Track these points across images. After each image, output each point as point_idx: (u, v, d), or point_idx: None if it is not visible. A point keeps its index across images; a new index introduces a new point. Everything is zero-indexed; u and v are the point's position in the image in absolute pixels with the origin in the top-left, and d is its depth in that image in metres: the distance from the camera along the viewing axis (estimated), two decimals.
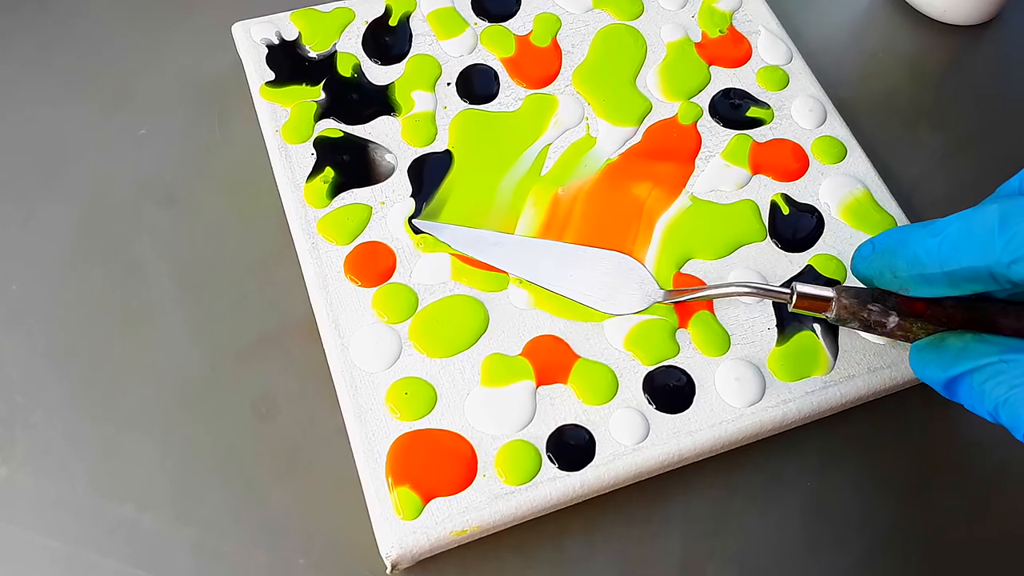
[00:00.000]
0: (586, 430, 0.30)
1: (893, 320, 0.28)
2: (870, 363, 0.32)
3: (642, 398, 0.31)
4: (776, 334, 0.32)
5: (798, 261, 0.34)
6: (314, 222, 0.33)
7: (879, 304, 0.28)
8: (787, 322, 0.32)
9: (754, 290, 0.30)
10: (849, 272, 0.33)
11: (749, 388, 0.31)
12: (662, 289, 0.32)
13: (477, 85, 0.37)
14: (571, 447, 0.30)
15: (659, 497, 0.31)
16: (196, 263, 0.35)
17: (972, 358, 0.25)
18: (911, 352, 0.28)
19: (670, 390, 0.31)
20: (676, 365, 0.31)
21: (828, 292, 0.28)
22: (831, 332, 0.32)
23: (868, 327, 0.28)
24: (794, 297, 0.29)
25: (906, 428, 0.33)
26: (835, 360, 0.32)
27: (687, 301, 0.32)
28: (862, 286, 0.29)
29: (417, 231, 0.33)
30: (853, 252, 0.29)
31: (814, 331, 0.32)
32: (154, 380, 0.32)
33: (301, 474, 0.31)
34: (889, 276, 0.27)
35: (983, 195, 0.39)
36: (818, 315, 0.29)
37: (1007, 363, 0.24)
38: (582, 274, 0.33)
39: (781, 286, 0.30)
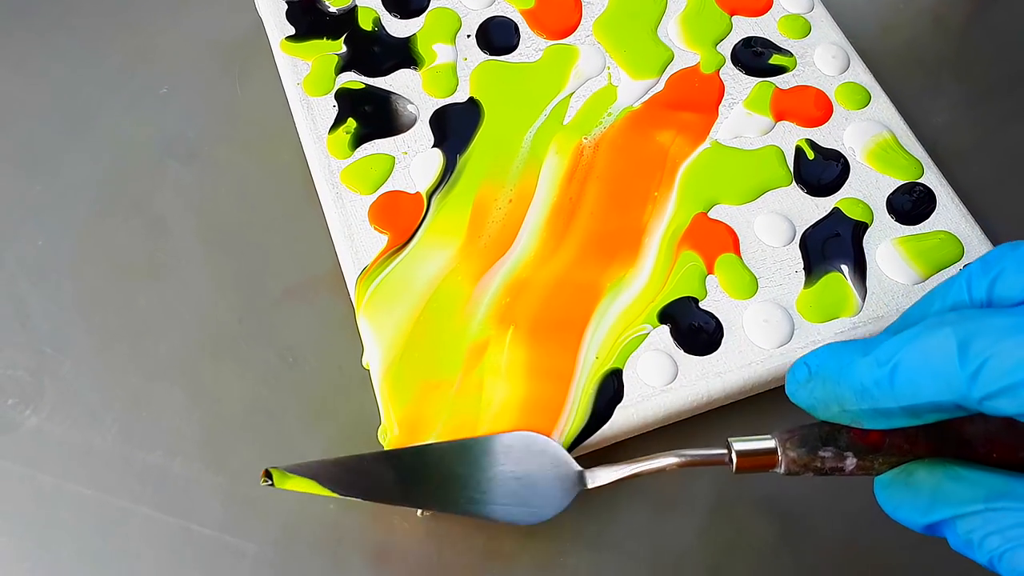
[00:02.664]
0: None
1: (851, 462, 0.23)
2: (899, 304, 0.32)
3: (670, 340, 0.30)
4: (804, 276, 0.32)
5: (824, 205, 0.34)
6: (337, 172, 0.33)
7: (831, 447, 0.23)
8: (814, 264, 0.32)
9: (687, 459, 0.25)
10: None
11: (778, 329, 0.31)
12: (580, 469, 0.27)
13: (497, 37, 0.37)
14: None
15: (687, 442, 0.31)
16: (220, 217, 0.35)
17: (952, 504, 0.21)
18: (876, 490, 0.24)
19: (698, 332, 0.31)
20: (705, 308, 0.31)
21: (769, 444, 0.24)
22: (859, 273, 0.32)
23: (824, 474, 0.24)
24: (733, 457, 0.24)
25: None
26: (864, 301, 0.32)
27: (612, 483, 0.26)
28: (804, 422, 0.24)
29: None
30: (786, 373, 0.24)
31: (842, 272, 0.32)
32: (180, 331, 0.32)
33: (327, 421, 0.31)
34: (836, 409, 0.23)
35: (1006, 145, 0.39)
36: (767, 471, 0.24)
37: (995, 511, 0.21)
38: (493, 489, 0.27)
39: (715, 450, 0.25)
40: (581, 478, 0.27)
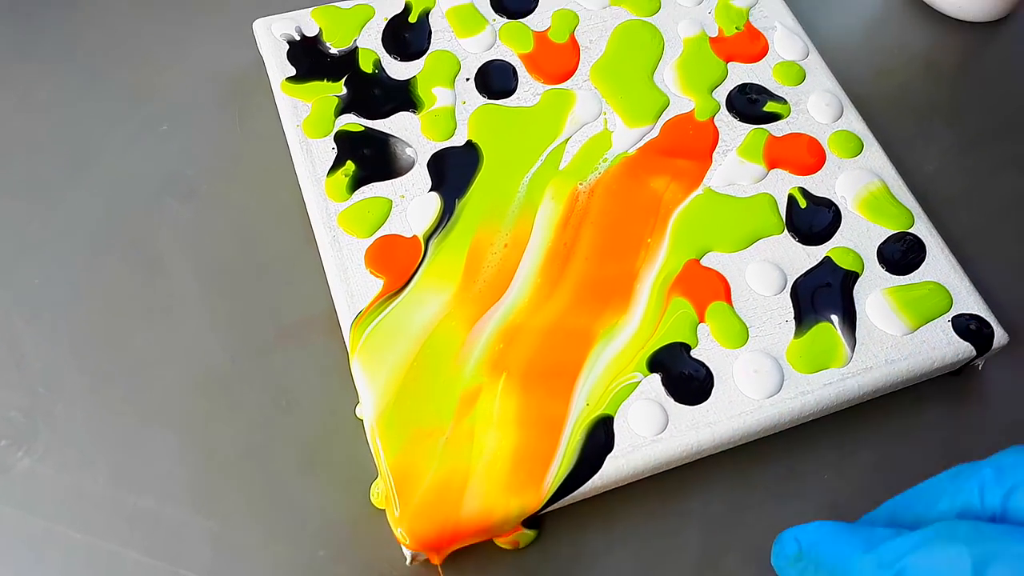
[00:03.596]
0: None
1: None
2: (888, 355, 0.32)
3: (661, 390, 0.31)
4: (794, 326, 0.32)
5: (815, 254, 0.34)
6: (335, 215, 0.33)
7: None
8: (805, 314, 0.33)
9: None
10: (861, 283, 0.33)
11: (768, 380, 0.31)
12: None
13: (495, 80, 0.38)
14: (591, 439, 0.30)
15: (678, 490, 0.31)
16: (217, 257, 0.35)
17: None
18: None
19: (689, 381, 0.31)
20: (695, 356, 0.31)
21: None
22: (849, 324, 0.32)
23: None
24: None
25: (923, 420, 0.33)
26: (853, 352, 0.32)
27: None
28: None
29: None
30: (775, 541, 0.24)
31: (832, 323, 0.32)
32: (175, 373, 0.33)
33: (320, 467, 0.31)
34: None
35: (997, 192, 0.40)
36: None
37: None
38: None
39: None
40: None
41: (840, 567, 0.21)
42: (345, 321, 0.31)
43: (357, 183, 0.34)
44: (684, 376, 0.31)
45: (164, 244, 0.35)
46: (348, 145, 0.35)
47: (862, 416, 0.33)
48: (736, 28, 0.40)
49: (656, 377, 0.31)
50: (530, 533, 0.30)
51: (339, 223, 0.33)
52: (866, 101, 0.41)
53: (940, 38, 0.45)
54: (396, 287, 0.32)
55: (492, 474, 0.29)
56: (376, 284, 0.32)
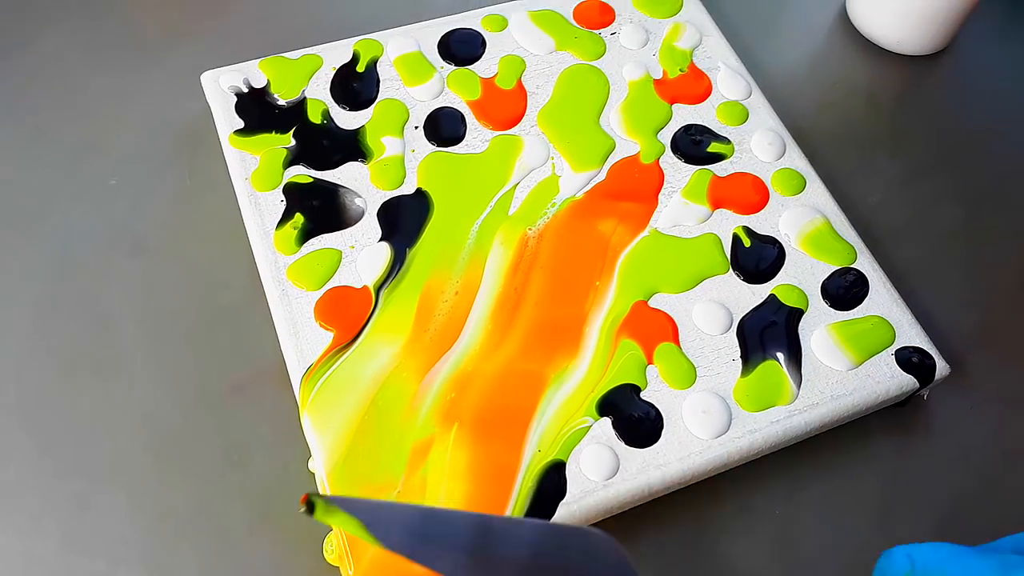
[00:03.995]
0: None
1: None
2: (833, 391, 0.33)
3: (612, 433, 0.31)
4: (741, 365, 0.33)
5: (760, 292, 0.35)
6: (284, 268, 0.34)
7: None
8: (751, 352, 0.33)
9: None
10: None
11: (716, 420, 0.31)
12: None
13: (444, 128, 0.38)
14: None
15: (629, 532, 0.32)
16: (167, 313, 0.35)
17: None
18: None
19: (639, 423, 0.31)
20: (645, 398, 0.32)
21: None
22: (795, 361, 0.33)
23: None
24: None
25: (871, 453, 0.34)
26: (799, 389, 0.32)
27: None
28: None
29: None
30: (881, 555, 0.24)
31: (778, 360, 0.33)
32: (125, 432, 0.32)
33: (274, 523, 0.31)
34: None
35: (939, 223, 0.41)
36: None
37: None
38: None
39: None
40: None
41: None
42: (295, 376, 0.32)
43: (306, 235, 0.34)
44: (634, 419, 0.31)
45: (114, 301, 0.35)
46: (297, 197, 0.35)
47: (811, 450, 0.33)
48: (680, 70, 0.40)
49: (607, 421, 0.31)
50: None
51: (288, 276, 0.33)
52: (809, 135, 0.42)
53: (881, 71, 0.46)
54: (346, 339, 0.32)
55: None
56: (326, 337, 0.32)
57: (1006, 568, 0.20)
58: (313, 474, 0.30)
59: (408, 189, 0.36)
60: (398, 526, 0.21)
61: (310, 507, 0.21)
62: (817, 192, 0.38)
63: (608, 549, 0.23)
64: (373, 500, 0.24)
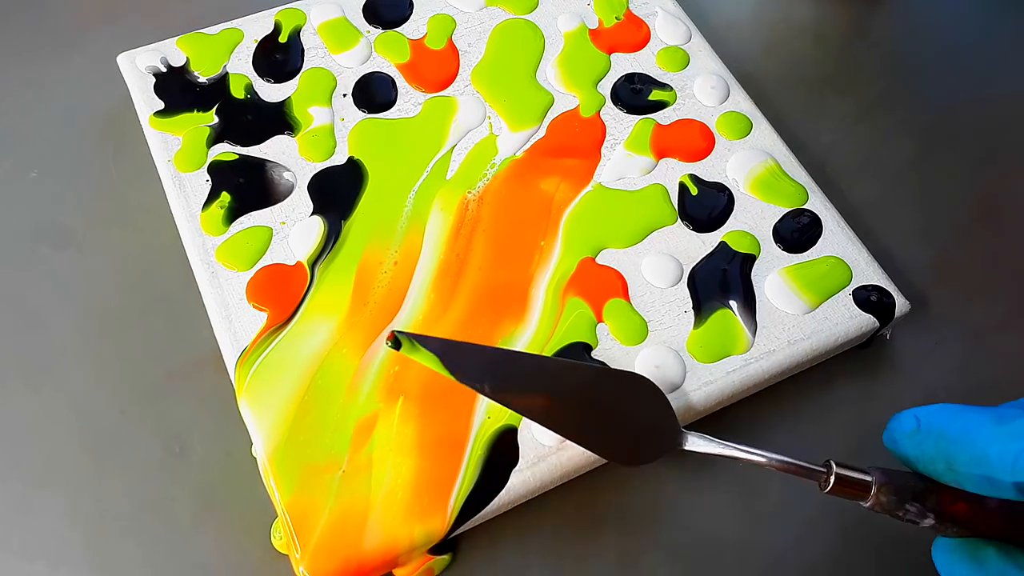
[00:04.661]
0: None
1: (928, 522, 0.24)
2: (790, 335, 0.32)
3: None
4: (693, 316, 0.32)
5: (710, 241, 0.34)
6: (212, 251, 0.32)
7: (918, 505, 0.24)
8: (703, 303, 0.32)
9: (787, 465, 0.26)
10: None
11: (670, 373, 0.30)
12: (682, 430, 0.27)
13: (374, 94, 0.37)
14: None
15: (590, 495, 0.31)
16: (97, 305, 0.34)
17: None
18: (936, 549, 0.24)
19: None
20: (596, 357, 0.31)
21: (867, 479, 0.25)
22: (749, 308, 0.32)
23: (898, 519, 0.25)
24: (831, 479, 0.25)
25: (835, 397, 0.33)
26: (754, 336, 0.31)
27: (701, 452, 0.27)
28: (899, 469, 0.25)
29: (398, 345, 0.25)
30: (890, 419, 0.25)
31: (731, 309, 0.32)
32: (60, 431, 0.31)
33: (219, 512, 0.30)
34: (942, 466, 0.23)
35: (892, 159, 0.40)
36: (851, 500, 0.26)
37: None
38: (605, 423, 0.27)
39: (815, 465, 0.26)
40: (679, 438, 0.27)
41: (965, 437, 0.22)
42: (230, 360, 0.30)
43: (234, 214, 0.33)
44: None
45: (41, 297, 0.34)
46: (222, 176, 0.34)
47: (773, 399, 0.32)
48: (616, 18, 0.39)
49: None
50: (444, 558, 0.29)
51: (217, 258, 0.32)
52: (756, 79, 0.41)
53: (825, 9, 0.44)
54: (281, 319, 0.31)
55: (392, 504, 0.28)
56: (260, 318, 0.31)
57: (1003, 419, 0.22)
58: (256, 459, 0.29)
59: (339, 159, 0.35)
60: (469, 364, 0.26)
61: (396, 343, 0.25)
62: (764, 134, 0.36)
63: (653, 392, 0.27)
64: (450, 340, 0.27)
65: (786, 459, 0.26)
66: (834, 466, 0.25)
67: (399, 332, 0.25)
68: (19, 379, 0.32)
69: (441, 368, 0.25)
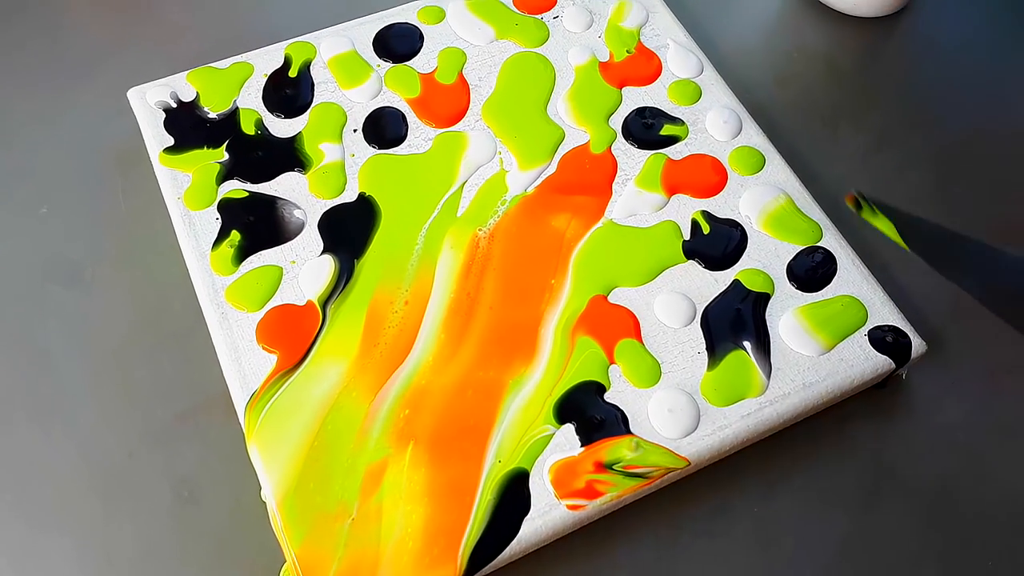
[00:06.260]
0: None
1: None
2: (804, 378, 0.31)
3: (576, 440, 0.30)
4: (707, 357, 0.31)
5: (723, 279, 0.33)
6: (222, 291, 0.32)
7: None
8: (717, 344, 0.32)
9: None
10: None
11: (683, 418, 0.30)
12: None
13: (385, 129, 0.36)
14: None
15: (603, 540, 0.30)
16: (106, 344, 0.33)
17: None
18: None
19: (603, 427, 0.30)
20: (608, 400, 0.30)
21: None
22: (763, 349, 0.32)
23: None
24: None
25: (851, 440, 0.33)
26: (769, 379, 0.31)
27: None
28: None
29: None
30: None
31: (745, 350, 0.32)
32: (68, 473, 0.31)
33: (229, 559, 0.30)
34: None
35: (908, 190, 0.39)
36: None
37: None
38: None
39: None
40: None
41: None
42: (239, 403, 0.30)
43: (244, 253, 0.33)
44: (598, 422, 0.30)
45: (50, 335, 0.34)
46: (232, 213, 0.34)
47: (787, 441, 0.32)
48: (627, 51, 0.39)
49: (570, 427, 0.30)
50: None
51: (227, 298, 0.32)
52: (768, 109, 0.40)
53: (838, 37, 0.44)
54: (292, 362, 0.31)
55: (402, 553, 0.27)
56: (270, 360, 0.31)
57: None
58: (265, 504, 0.29)
59: (350, 196, 0.35)
60: (923, 239, 0.26)
61: (858, 205, 0.26)
62: (777, 169, 0.36)
63: None
64: (907, 213, 0.27)
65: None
66: None
67: (859, 194, 0.26)
68: (28, 418, 0.32)
69: (897, 238, 0.26)
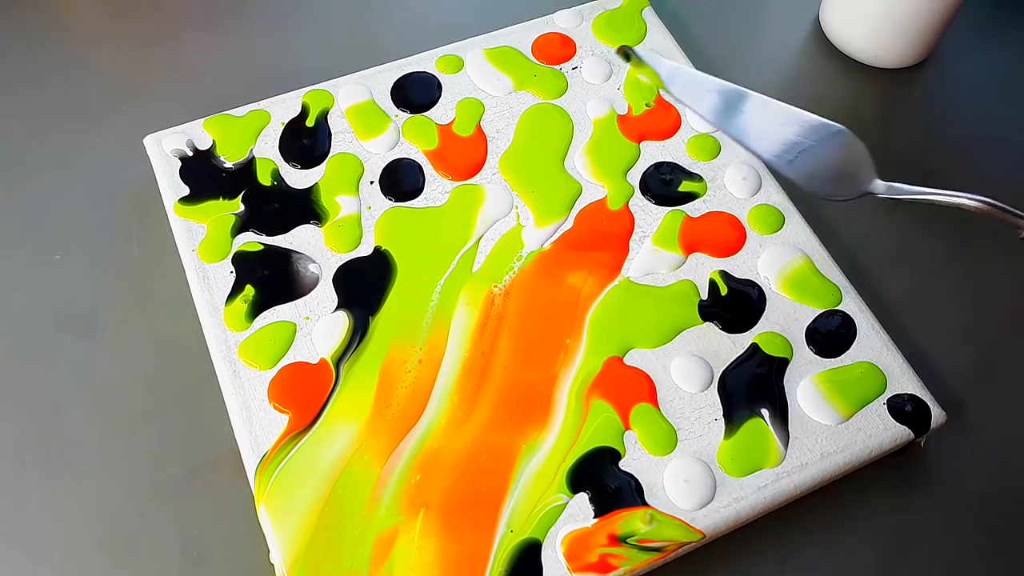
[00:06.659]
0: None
1: None
2: (823, 448, 0.31)
3: (590, 509, 0.29)
4: (724, 424, 0.31)
5: (741, 342, 0.33)
6: (235, 347, 0.32)
7: None
8: (734, 410, 0.31)
9: (992, 206, 0.29)
10: None
11: (699, 489, 0.30)
12: (876, 179, 0.32)
13: (402, 181, 0.36)
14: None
15: None
16: (117, 398, 0.33)
17: None
18: None
19: (617, 498, 0.29)
20: (624, 468, 0.30)
21: None
22: (781, 417, 0.31)
23: None
24: None
25: (868, 509, 0.32)
26: (786, 449, 0.31)
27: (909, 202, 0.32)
28: None
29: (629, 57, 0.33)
30: None
31: (763, 417, 0.31)
32: (77, 529, 0.31)
33: None
34: None
35: (929, 249, 0.39)
36: None
37: None
38: (806, 148, 0.32)
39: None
40: (873, 182, 0.31)
41: None
42: (250, 465, 0.30)
43: (258, 308, 0.33)
44: (612, 492, 0.30)
45: (61, 387, 0.33)
46: (247, 267, 0.33)
47: (803, 509, 0.31)
48: (647, 104, 0.38)
49: (583, 497, 0.29)
50: None
51: (240, 355, 0.32)
52: None
53: (859, 88, 0.44)
54: (304, 423, 0.30)
55: None
56: (281, 420, 0.30)
57: None
58: (274, 566, 0.29)
59: (365, 250, 0.34)
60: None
61: (626, 56, 0.32)
62: (797, 228, 0.36)
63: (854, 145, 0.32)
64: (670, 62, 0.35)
65: (990, 203, 0.29)
66: None
67: (627, 48, 0.34)
68: (38, 474, 0.32)
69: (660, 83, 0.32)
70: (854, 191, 0.32)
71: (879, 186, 0.32)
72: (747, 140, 0.33)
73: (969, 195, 0.29)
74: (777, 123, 0.33)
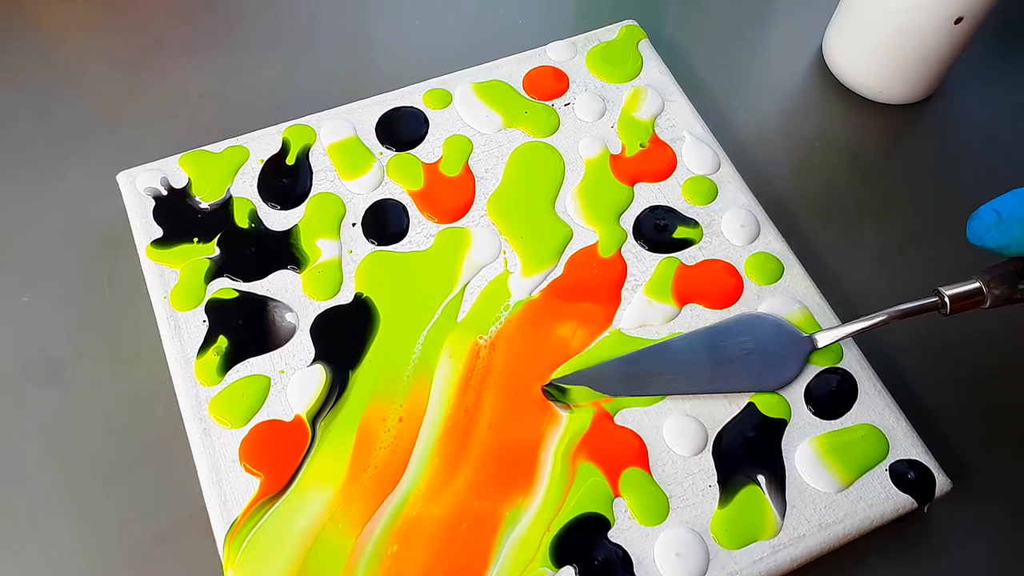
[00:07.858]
0: None
1: None
2: (821, 518, 0.29)
3: None
4: (718, 492, 0.29)
5: (737, 402, 0.31)
6: (206, 403, 0.30)
7: None
8: (729, 476, 0.30)
9: (903, 312, 0.30)
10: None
11: (692, 563, 0.28)
12: (807, 335, 0.32)
13: (385, 223, 0.35)
14: None
15: None
16: (83, 452, 0.32)
17: None
18: None
19: (604, 570, 0.28)
20: (613, 540, 0.29)
21: (975, 285, 0.29)
22: (778, 485, 0.30)
23: (1016, 303, 0.29)
24: (947, 302, 0.29)
25: None
26: (783, 519, 0.29)
27: (839, 340, 0.32)
28: (996, 263, 0.29)
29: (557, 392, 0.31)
30: (969, 219, 0.28)
31: (759, 484, 0.30)
32: None
33: None
34: None
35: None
36: (974, 309, 0.29)
37: None
38: (731, 362, 0.31)
39: (926, 300, 0.30)
40: (811, 342, 0.32)
41: None
42: (219, 532, 0.28)
43: (231, 361, 0.31)
44: (600, 565, 0.28)
45: (24, 441, 0.32)
46: (220, 316, 0.32)
47: None
48: (641, 145, 0.37)
49: (569, 571, 0.28)
50: None
51: (210, 411, 0.30)
52: (787, 202, 0.39)
53: (863, 124, 0.42)
54: (276, 487, 0.29)
55: None
56: (252, 483, 0.29)
57: None
58: None
59: (345, 297, 0.33)
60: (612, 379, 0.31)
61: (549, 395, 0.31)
62: (796, 278, 0.34)
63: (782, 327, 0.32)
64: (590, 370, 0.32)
65: (900, 310, 0.30)
66: (944, 291, 0.29)
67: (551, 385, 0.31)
68: None
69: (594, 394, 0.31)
70: (799, 367, 0.32)
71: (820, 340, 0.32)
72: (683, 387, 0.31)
73: (886, 312, 0.30)
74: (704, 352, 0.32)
